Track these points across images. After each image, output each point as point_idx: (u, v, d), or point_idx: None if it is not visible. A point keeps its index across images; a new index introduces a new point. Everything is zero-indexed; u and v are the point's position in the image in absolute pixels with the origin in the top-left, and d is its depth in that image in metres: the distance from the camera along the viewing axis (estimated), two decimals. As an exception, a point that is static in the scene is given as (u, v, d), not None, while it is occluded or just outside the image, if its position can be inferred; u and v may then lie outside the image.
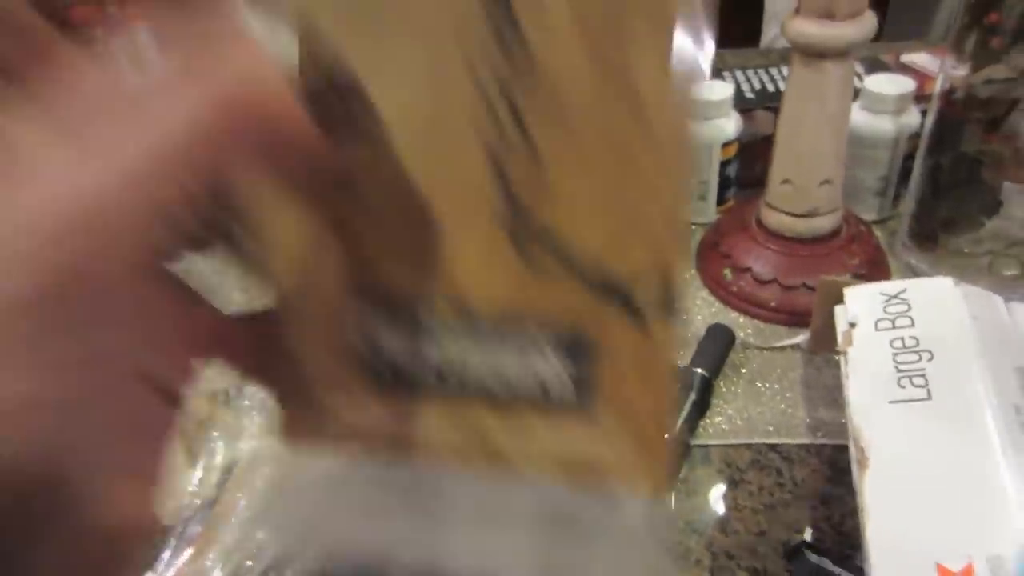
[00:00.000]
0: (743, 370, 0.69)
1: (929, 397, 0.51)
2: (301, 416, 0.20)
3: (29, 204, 0.14)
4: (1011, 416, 0.48)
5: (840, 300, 0.60)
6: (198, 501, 0.61)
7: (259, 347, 0.20)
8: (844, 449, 0.60)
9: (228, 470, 0.63)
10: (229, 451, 0.64)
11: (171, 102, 0.15)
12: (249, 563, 0.57)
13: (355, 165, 0.18)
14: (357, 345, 0.19)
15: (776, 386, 0.67)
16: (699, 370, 0.65)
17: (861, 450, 0.50)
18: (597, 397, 0.19)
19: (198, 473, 0.62)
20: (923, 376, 0.52)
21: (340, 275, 0.19)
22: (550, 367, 0.19)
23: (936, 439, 0.48)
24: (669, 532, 0.18)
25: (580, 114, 0.18)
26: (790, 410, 0.65)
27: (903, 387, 0.52)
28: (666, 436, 0.19)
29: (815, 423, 0.64)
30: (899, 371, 0.53)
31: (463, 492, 0.19)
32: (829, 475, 0.59)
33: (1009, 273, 0.69)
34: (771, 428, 0.64)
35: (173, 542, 0.58)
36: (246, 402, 0.67)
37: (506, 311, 0.19)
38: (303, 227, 0.18)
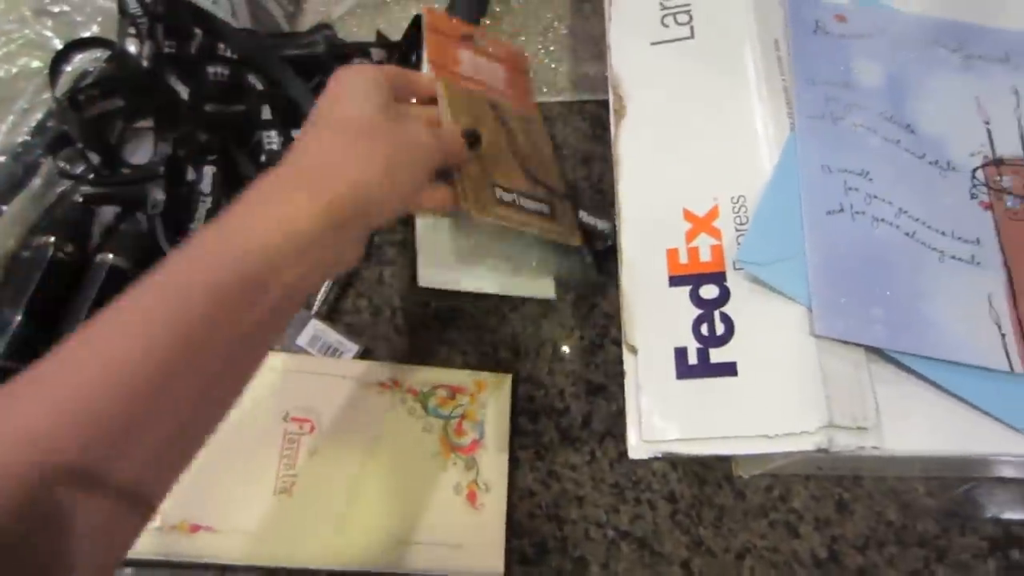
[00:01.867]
0: (504, 22, 0.59)
1: (692, 36, 0.44)
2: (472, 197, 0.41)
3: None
4: (771, 52, 0.43)
5: (608, -71, 0.49)
6: None
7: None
8: (607, 104, 0.55)
9: None
10: None
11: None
12: None
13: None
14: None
15: (541, 39, 0.58)
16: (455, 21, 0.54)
17: (619, 99, 0.44)
18: (556, 215, 0.45)
19: None
20: (688, 12, 0.45)
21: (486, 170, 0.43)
22: (544, 206, 0.45)
23: (695, 81, 0.43)
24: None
25: (525, 142, 0.47)
26: (553, 65, 0.57)
27: (667, 26, 0.45)
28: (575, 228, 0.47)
29: (579, 79, 0.57)
30: (664, 8, 0.45)
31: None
32: (590, 133, 0.54)
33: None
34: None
35: None
36: None
37: (529, 190, 0.45)
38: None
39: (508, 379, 0.43)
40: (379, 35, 0.55)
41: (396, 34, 0.55)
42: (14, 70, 0.50)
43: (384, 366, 0.42)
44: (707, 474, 0.42)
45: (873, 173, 0.39)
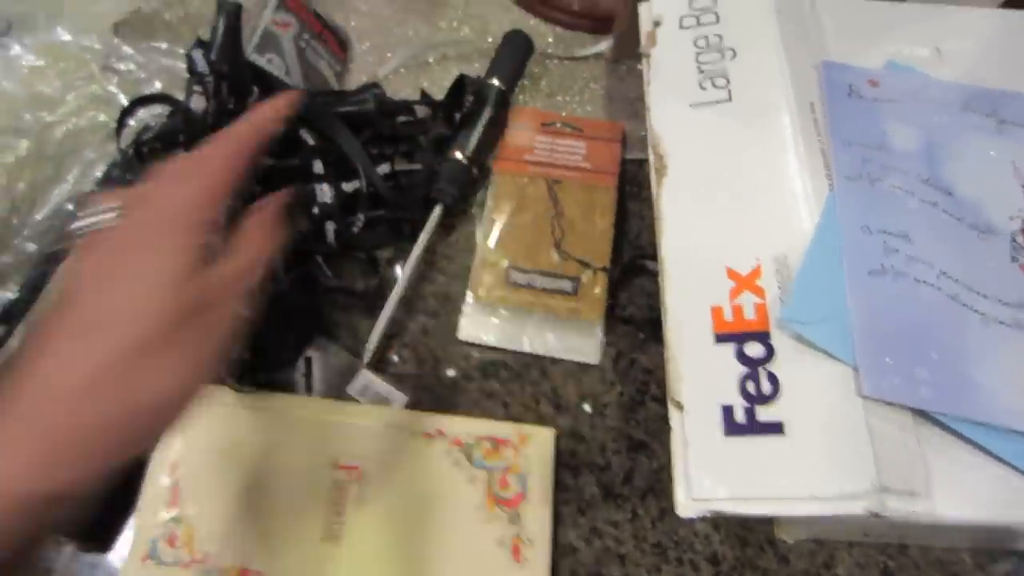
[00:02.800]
0: (542, 83, 0.60)
1: (730, 99, 0.45)
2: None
3: None
4: (807, 114, 0.43)
5: (646, -3, 0.51)
6: None
7: None
8: (643, 163, 0.55)
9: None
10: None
11: None
12: None
13: None
14: None
15: (577, 99, 0.59)
16: (495, 82, 0.55)
17: (660, 158, 0.44)
18: (579, 291, 0.48)
19: None
20: (725, 77, 0.45)
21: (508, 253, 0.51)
22: (566, 284, 0.48)
23: (734, 142, 0.43)
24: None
25: (578, 217, 0.51)
26: (590, 124, 0.58)
27: (705, 89, 0.45)
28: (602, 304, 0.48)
29: (614, 137, 0.57)
30: (701, 72, 0.46)
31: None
32: (626, 190, 0.54)
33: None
34: (570, 144, 0.56)
35: None
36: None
37: (551, 269, 0.49)
38: None
39: (552, 433, 0.42)
40: (423, 93, 0.56)
41: (438, 92, 0.56)
42: (82, 123, 0.51)
43: (429, 416, 0.42)
44: (749, 536, 0.41)
45: (913, 235, 0.39)
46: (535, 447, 0.42)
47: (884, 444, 0.33)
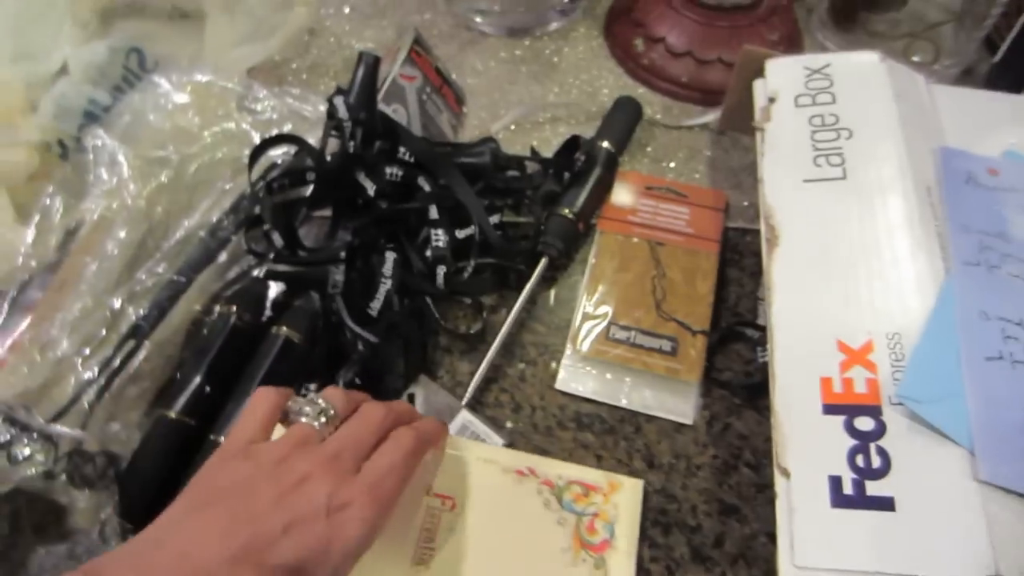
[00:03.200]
0: (648, 148, 0.63)
1: (844, 177, 0.46)
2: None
3: None
4: (923, 197, 0.44)
5: (760, 73, 0.53)
6: (34, 263, 0.50)
7: None
8: (745, 232, 0.57)
9: (71, 232, 0.53)
10: (70, 210, 0.53)
11: None
12: (103, 332, 0.49)
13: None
14: None
15: (681, 166, 0.61)
16: (605, 144, 0.58)
17: (772, 228, 0.46)
18: (678, 352, 0.49)
19: (31, 232, 0.51)
20: (840, 155, 0.47)
21: (614, 307, 0.53)
22: (665, 343, 0.50)
23: (847, 219, 0.44)
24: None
25: (679, 280, 0.53)
26: (692, 191, 0.60)
27: (819, 166, 0.47)
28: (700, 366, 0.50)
29: (715, 205, 0.59)
30: (816, 149, 0.48)
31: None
32: (728, 258, 0.55)
33: (919, 59, 0.64)
34: (672, 209, 0.58)
35: (6, 308, 0.48)
36: (90, 156, 0.55)
37: (652, 328, 0.50)
38: None
39: (640, 484, 0.43)
40: (533, 151, 0.60)
41: (546, 150, 0.59)
42: (218, 155, 0.56)
43: (522, 455, 0.44)
44: (842, 613, 0.41)
45: (1032, 324, 0.39)
46: (624, 496, 0.42)
47: (1001, 531, 0.33)
